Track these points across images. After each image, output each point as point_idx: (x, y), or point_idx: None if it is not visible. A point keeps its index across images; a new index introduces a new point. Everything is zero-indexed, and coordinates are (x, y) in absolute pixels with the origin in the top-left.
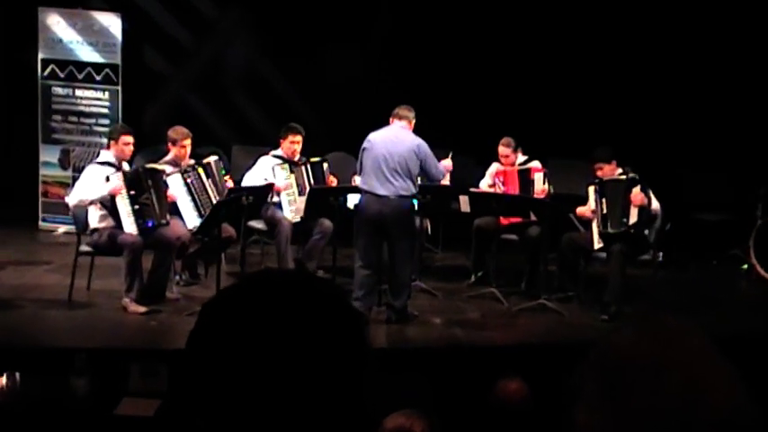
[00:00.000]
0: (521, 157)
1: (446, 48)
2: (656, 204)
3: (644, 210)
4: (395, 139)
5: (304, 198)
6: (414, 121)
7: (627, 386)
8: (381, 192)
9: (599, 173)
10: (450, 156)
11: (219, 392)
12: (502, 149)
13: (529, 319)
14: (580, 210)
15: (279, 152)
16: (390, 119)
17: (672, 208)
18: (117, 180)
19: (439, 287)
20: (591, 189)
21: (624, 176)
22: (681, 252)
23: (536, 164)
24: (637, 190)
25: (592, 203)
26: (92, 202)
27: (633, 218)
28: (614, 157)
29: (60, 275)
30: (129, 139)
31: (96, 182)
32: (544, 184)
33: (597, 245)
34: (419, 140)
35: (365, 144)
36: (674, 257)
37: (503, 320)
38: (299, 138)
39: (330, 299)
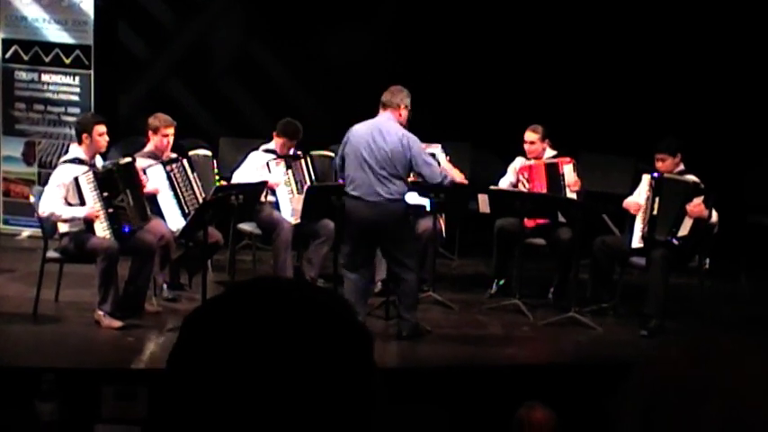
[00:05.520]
0: (549, 151)
1: (465, 25)
2: (714, 217)
3: (700, 222)
4: (378, 133)
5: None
6: (404, 108)
7: (669, 413)
8: (369, 198)
9: (659, 164)
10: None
11: (205, 420)
12: (528, 135)
13: (557, 334)
14: (627, 201)
15: (271, 146)
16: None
17: (725, 207)
18: (93, 201)
19: (455, 299)
20: (645, 179)
21: (687, 179)
22: (731, 259)
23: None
24: (698, 200)
25: (642, 197)
26: (64, 221)
27: (685, 230)
28: (680, 151)
29: (24, 285)
30: (103, 128)
31: (66, 187)
32: (575, 175)
33: (637, 243)
34: (406, 133)
35: (346, 138)
36: (723, 265)
37: (528, 336)
38: (294, 142)
39: (333, 312)
